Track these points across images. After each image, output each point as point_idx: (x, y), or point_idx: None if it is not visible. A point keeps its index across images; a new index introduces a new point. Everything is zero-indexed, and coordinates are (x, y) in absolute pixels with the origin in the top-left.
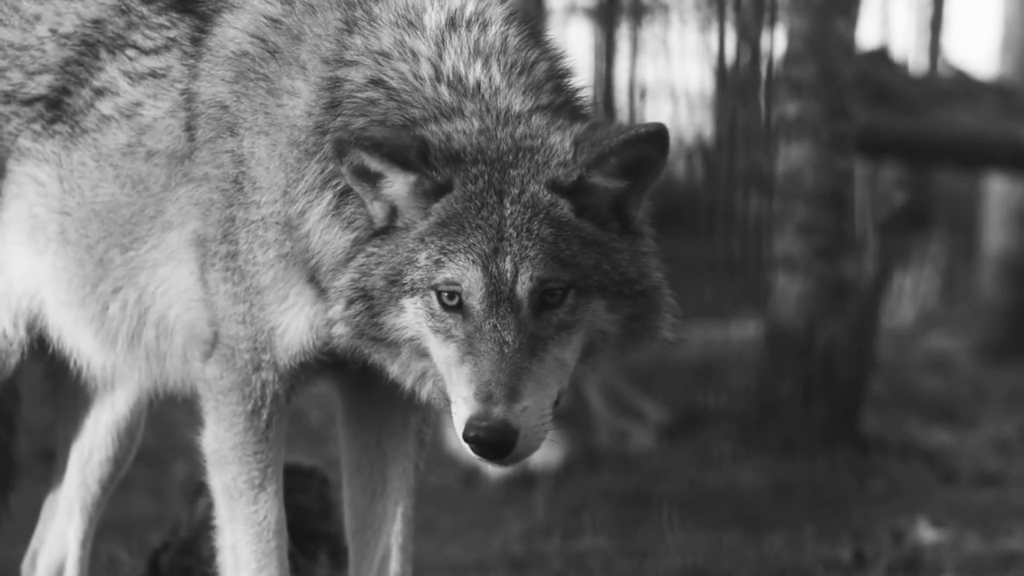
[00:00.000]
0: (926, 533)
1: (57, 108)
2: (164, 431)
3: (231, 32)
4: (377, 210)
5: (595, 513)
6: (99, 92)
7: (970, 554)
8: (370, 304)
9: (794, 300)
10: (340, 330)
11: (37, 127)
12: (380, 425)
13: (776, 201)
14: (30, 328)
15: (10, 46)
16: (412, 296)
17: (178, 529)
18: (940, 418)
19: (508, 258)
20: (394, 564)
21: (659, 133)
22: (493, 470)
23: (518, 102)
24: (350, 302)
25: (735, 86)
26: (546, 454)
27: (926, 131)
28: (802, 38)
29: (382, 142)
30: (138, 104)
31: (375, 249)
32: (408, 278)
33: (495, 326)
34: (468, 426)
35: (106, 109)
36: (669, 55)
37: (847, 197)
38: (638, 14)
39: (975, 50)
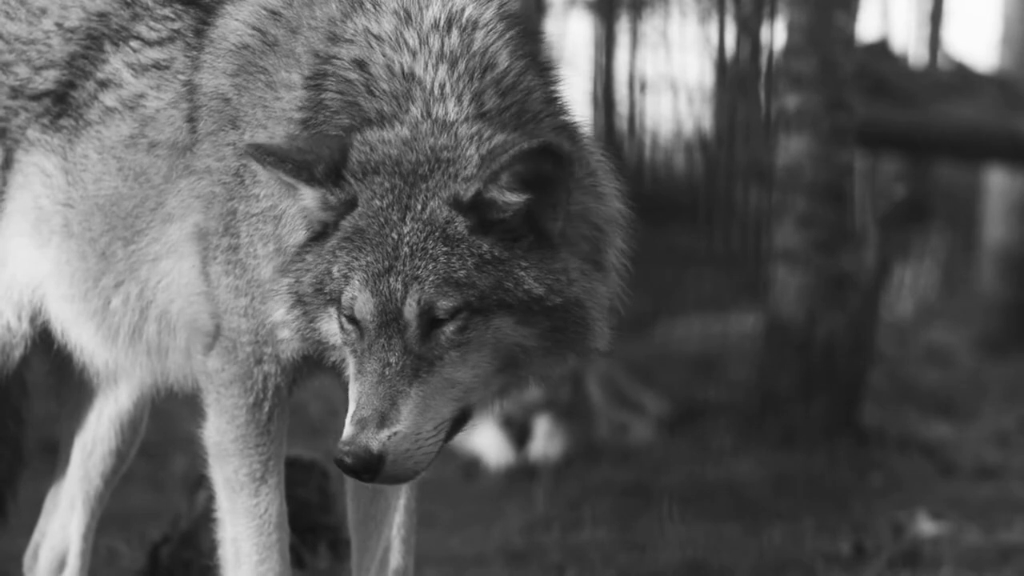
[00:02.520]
0: (926, 526)
1: (63, 102)
2: (164, 424)
3: (233, 24)
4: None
5: (595, 506)
6: (103, 84)
7: (970, 547)
8: (305, 309)
9: (794, 293)
10: (284, 334)
11: (45, 121)
12: None
13: (776, 194)
14: (33, 320)
15: (16, 40)
16: (334, 305)
17: (178, 522)
18: (940, 411)
19: (400, 278)
20: (396, 556)
21: (542, 149)
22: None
23: (455, 109)
24: (289, 307)
25: (735, 79)
26: (546, 447)
27: (926, 124)
28: (802, 31)
29: (286, 157)
30: (141, 96)
31: (307, 255)
32: (328, 288)
33: (382, 346)
34: (336, 448)
35: (109, 101)
36: (669, 48)
37: (847, 190)
38: (638, 7)
39: (975, 43)
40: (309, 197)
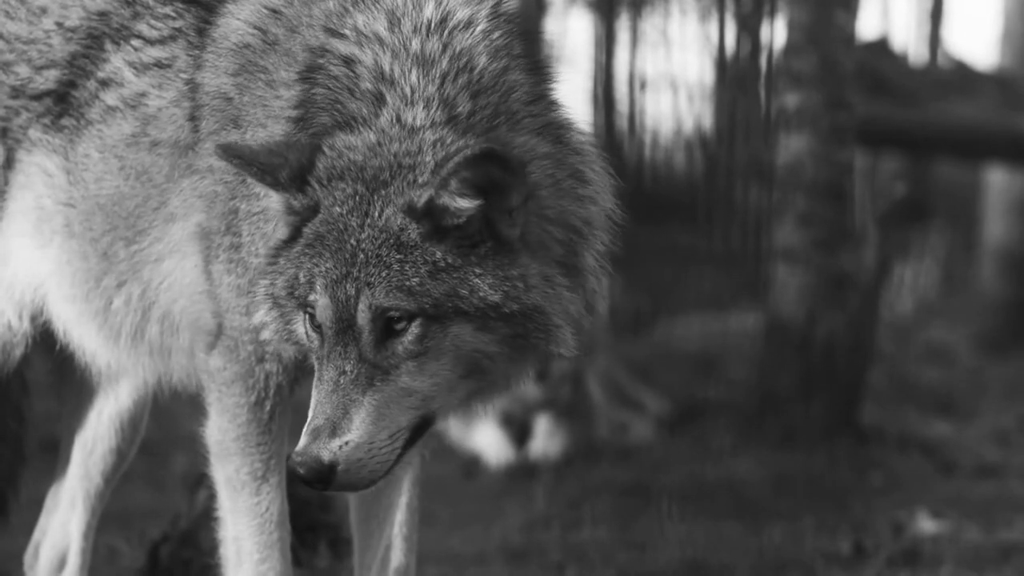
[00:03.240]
0: (926, 525)
1: (64, 102)
2: (165, 422)
3: (235, 23)
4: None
5: (595, 505)
6: (104, 83)
7: (970, 546)
8: (281, 312)
9: (794, 292)
10: (265, 335)
11: (46, 121)
12: None
13: (776, 193)
14: (34, 319)
15: (17, 39)
16: (303, 309)
17: (178, 521)
18: (940, 410)
19: (354, 285)
20: (397, 554)
21: (486, 154)
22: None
23: (422, 114)
24: (268, 309)
25: (735, 77)
26: (546, 446)
27: (926, 122)
28: (802, 29)
29: (253, 160)
30: (143, 94)
31: (279, 259)
32: (297, 292)
33: (339, 354)
34: (289, 458)
35: (111, 100)
36: (669, 46)
37: (847, 188)
38: (638, 5)
39: (975, 41)
40: (275, 199)
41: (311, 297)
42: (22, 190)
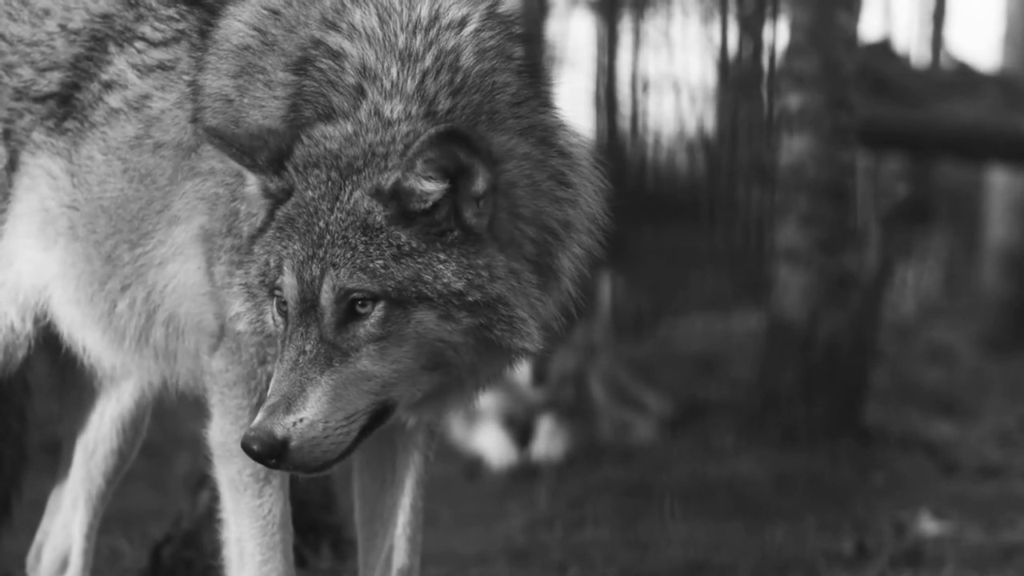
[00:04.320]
0: (928, 525)
1: (68, 104)
2: (166, 423)
3: (236, 25)
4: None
5: (597, 505)
6: (108, 85)
7: (972, 546)
8: (255, 302)
9: (796, 292)
10: (240, 326)
11: (50, 123)
12: None
13: (778, 193)
14: (37, 321)
15: (20, 41)
16: (273, 296)
17: (180, 522)
18: (942, 410)
19: (319, 265)
20: (401, 555)
21: (449, 134)
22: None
23: (399, 108)
24: (243, 300)
25: (737, 78)
26: (548, 446)
27: (928, 123)
28: (804, 30)
29: (233, 141)
30: (146, 96)
31: (254, 247)
32: (268, 279)
33: (300, 334)
34: (244, 433)
35: (114, 102)
36: (671, 47)
37: (849, 189)
38: (640, 6)
39: (977, 42)
40: (252, 182)
41: (279, 280)
42: (27, 192)
